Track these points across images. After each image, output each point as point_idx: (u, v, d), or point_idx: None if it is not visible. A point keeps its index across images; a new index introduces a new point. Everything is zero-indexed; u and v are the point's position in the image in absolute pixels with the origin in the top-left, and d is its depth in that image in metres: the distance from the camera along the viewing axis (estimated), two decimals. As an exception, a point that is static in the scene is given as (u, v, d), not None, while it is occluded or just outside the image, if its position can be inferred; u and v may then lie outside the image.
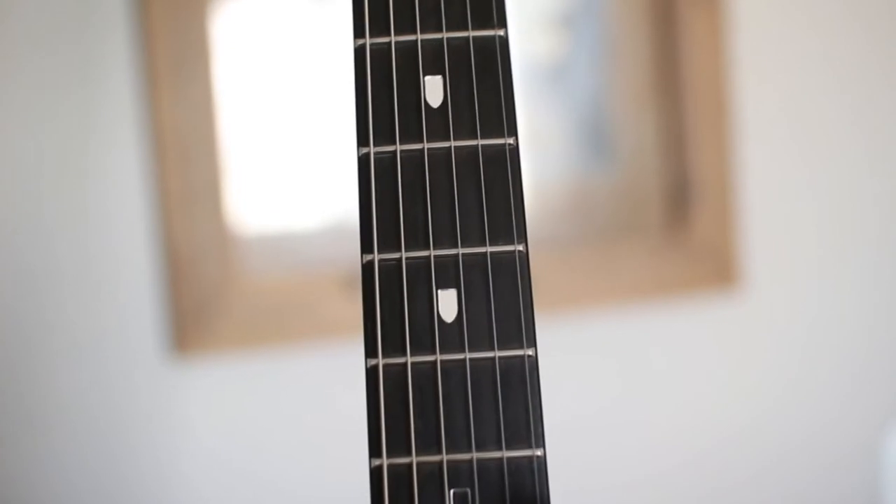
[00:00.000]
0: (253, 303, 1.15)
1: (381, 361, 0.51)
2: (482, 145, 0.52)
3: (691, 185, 1.23)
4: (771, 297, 1.26)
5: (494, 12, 0.53)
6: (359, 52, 0.53)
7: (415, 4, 0.53)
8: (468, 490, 0.50)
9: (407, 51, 0.53)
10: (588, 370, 1.23)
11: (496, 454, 0.50)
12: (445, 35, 0.53)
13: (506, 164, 0.52)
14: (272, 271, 1.17)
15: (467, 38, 0.53)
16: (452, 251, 0.52)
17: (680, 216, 1.24)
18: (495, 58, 0.53)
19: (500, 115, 0.53)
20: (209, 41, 1.11)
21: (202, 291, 1.14)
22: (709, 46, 1.23)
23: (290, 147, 1.17)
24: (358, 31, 0.53)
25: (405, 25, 0.53)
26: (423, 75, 0.53)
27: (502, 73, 0.53)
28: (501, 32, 0.53)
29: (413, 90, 0.53)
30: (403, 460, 0.50)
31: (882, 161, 1.29)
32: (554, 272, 1.20)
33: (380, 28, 0.53)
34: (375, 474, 0.50)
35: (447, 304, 0.52)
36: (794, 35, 1.26)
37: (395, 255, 0.52)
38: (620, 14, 1.23)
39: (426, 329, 0.51)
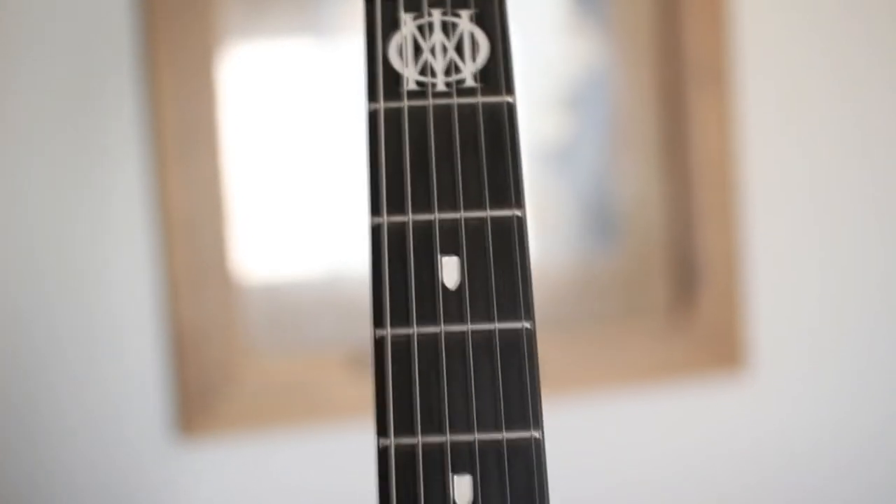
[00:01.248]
0: (259, 383, 1.15)
1: None
2: (499, 329, 0.52)
3: (697, 267, 1.23)
4: (777, 379, 1.25)
5: (512, 192, 0.53)
6: (375, 231, 0.53)
7: (431, 183, 0.53)
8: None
9: (423, 230, 0.53)
10: (593, 452, 1.22)
11: None
12: (462, 215, 0.53)
13: (521, 349, 0.52)
14: (278, 351, 1.16)
15: (484, 219, 0.53)
16: (468, 437, 0.52)
17: (686, 298, 1.23)
18: (512, 239, 0.53)
19: (517, 298, 0.52)
20: (217, 119, 1.12)
21: (208, 372, 1.13)
22: (716, 128, 1.23)
23: (297, 223, 1.17)
24: (375, 209, 0.53)
25: (422, 204, 0.53)
26: (440, 255, 0.52)
27: (520, 254, 0.53)
28: (519, 213, 0.53)
29: (429, 270, 0.52)
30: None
31: (892, 238, 1.28)
32: (558, 353, 1.19)
33: (396, 206, 0.53)
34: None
35: (462, 489, 0.52)
36: (801, 116, 1.26)
37: (411, 441, 0.52)
38: (628, 95, 1.24)
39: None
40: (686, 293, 1.23)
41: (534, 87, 1.23)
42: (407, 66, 0.55)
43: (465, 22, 0.56)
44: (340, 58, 1.16)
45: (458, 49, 0.55)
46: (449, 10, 0.56)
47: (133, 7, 1.10)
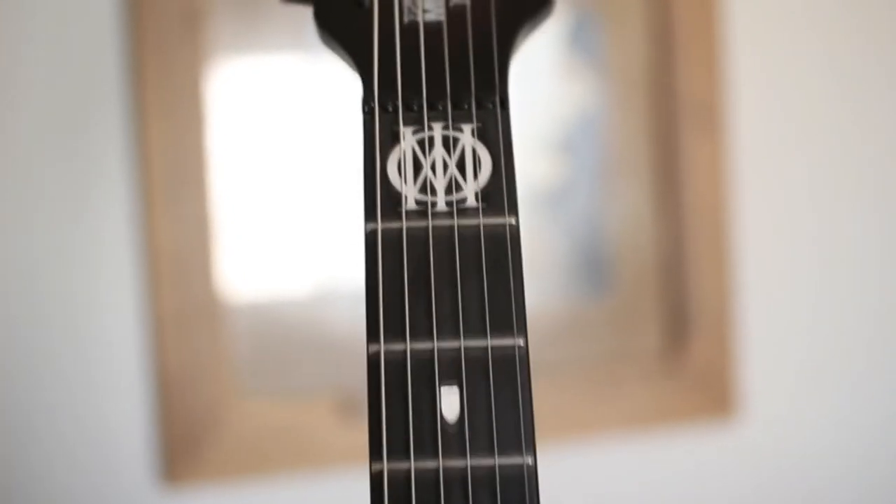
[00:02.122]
0: (246, 428, 1.13)
1: None
2: (500, 465, 0.50)
3: (689, 311, 1.23)
4: (769, 425, 1.25)
5: (514, 320, 0.51)
6: (373, 361, 0.51)
7: (431, 309, 0.51)
8: None
9: (422, 359, 0.51)
10: (584, 497, 1.21)
11: None
12: (463, 343, 0.51)
13: (523, 486, 0.50)
14: (267, 395, 1.15)
15: (485, 348, 0.51)
16: None
17: (678, 342, 1.23)
18: (514, 368, 0.51)
19: (519, 431, 0.50)
20: (205, 151, 1.11)
21: (194, 417, 1.12)
22: (709, 172, 1.23)
23: (287, 261, 1.16)
24: (372, 336, 0.51)
25: (421, 331, 0.51)
26: (440, 385, 0.51)
27: (521, 384, 0.51)
28: (521, 342, 0.51)
29: (428, 401, 0.51)
30: None
31: (885, 283, 1.28)
32: (550, 398, 1.18)
33: (395, 333, 0.51)
34: None
35: None
36: (794, 160, 1.26)
37: None
38: (621, 138, 1.23)
39: None
40: (678, 337, 1.23)
41: (526, 130, 1.22)
42: (406, 183, 0.53)
43: (466, 136, 0.54)
44: (330, 74, 1.14)
45: (460, 165, 0.54)
46: (450, 123, 0.54)
47: (120, 35, 1.09)
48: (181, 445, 1.12)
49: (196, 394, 1.12)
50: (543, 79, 1.23)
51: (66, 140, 1.09)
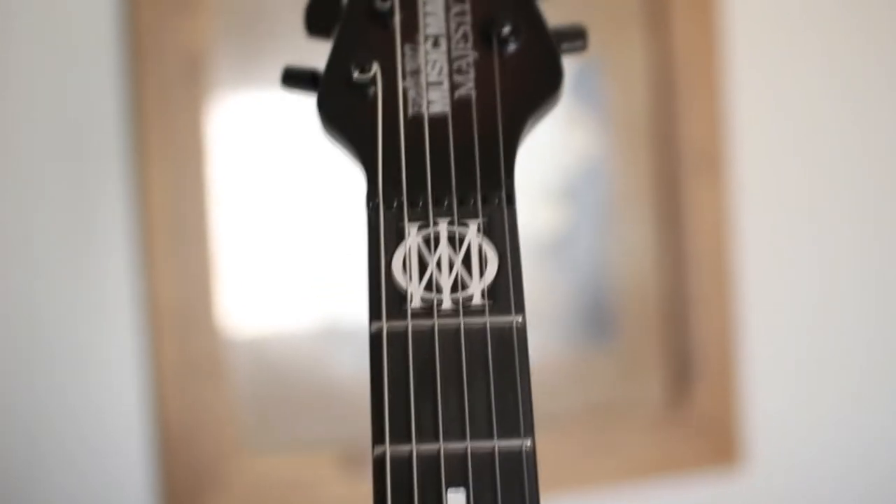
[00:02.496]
0: (249, 483, 1.13)
1: None
2: None
3: (693, 360, 1.22)
4: (774, 473, 1.24)
5: (521, 421, 0.51)
6: (378, 462, 0.50)
7: (438, 411, 0.51)
8: None
9: (429, 461, 0.50)
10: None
11: None
12: (469, 445, 0.51)
13: None
14: (269, 450, 1.15)
15: (492, 450, 0.51)
16: None
17: (682, 391, 1.22)
18: (521, 470, 0.50)
19: None
20: (206, 203, 1.11)
21: (196, 471, 1.11)
22: (712, 219, 1.23)
23: (290, 317, 1.16)
24: (378, 438, 0.50)
25: (428, 433, 0.50)
26: (446, 488, 0.50)
27: (528, 487, 0.50)
28: (528, 443, 0.51)
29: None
30: None
31: (889, 330, 1.27)
32: (553, 448, 1.18)
33: (401, 435, 0.50)
34: None
35: None
36: (796, 206, 1.26)
37: None
38: (623, 186, 1.23)
39: None
40: (681, 385, 1.22)
41: (529, 177, 1.22)
42: (412, 281, 0.53)
43: (472, 233, 0.54)
44: None
45: (466, 262, 0.53)
46: (456, 219, 0.54)
47: (121, 79, 1.09)
48: (183, 500, 1.11)
49: (198, 447, 1.12)
50: (546, 125, 1.22)
51: (66, 187, 1.09)
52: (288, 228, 1.15)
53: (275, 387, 1.16)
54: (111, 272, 1.09)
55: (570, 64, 1.20)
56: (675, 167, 1.23)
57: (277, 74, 1.12)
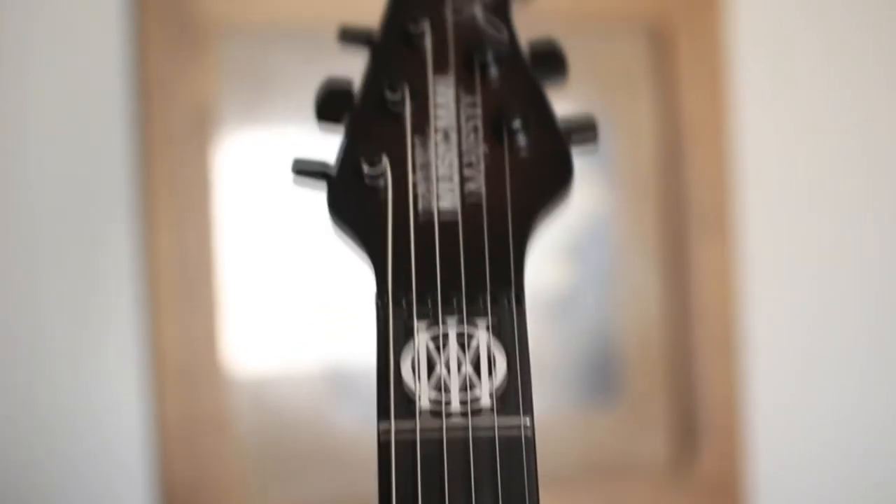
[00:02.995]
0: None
1: None
2: None
3: (698, 419, 1.22)
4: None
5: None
6: None
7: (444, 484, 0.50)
8: None
9: None
10: None
11: None
12: None
13: None
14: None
15: None
16: None
17: (687, 450, 1.22)
18: None
19: None
20: (212, 262, 1.10)
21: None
22: (717, 278, 1.23)
23: (298, 369, 1.15)
24: None
25: None
26: None
27: None
28: None
29: None
30: None
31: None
32: (559, 510, 1.17)
33: None
34: None
35: None
36: (801, 262, 1.25)
37: None
38: (629, 244, 1.23)
39: None
40: (687, 444, 1.22)
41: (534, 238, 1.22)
42: (420, 381, 0.52)
43: (481, 333, 0.53)
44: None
45: (475, 363, 0.52)
46: (465, 318, 0.53)
47: (128, 138, 1.09)
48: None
49: (202, 502, 1.11)
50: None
51: (73, 238, 1.09)
52: (293, 278, 1.15)
53: (279, 442, 1.15)
54: (117, 324, 1.09)
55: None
56: (681, 225, 1.23)
57: (281, 122, 1.13)
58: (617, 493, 1.21)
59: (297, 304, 1.15)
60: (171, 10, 1.10)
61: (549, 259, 1.22)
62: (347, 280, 1.13)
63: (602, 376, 1.25)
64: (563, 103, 1.18)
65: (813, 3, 1.27)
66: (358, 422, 1.15)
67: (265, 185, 1.14)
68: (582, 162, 1.21)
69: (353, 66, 1.10)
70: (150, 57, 1.09)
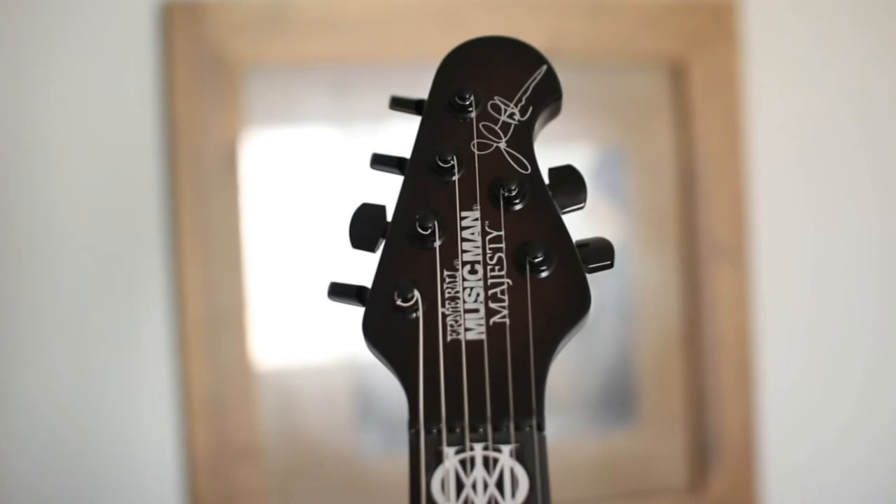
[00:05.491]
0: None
1: None
2: None
3: (714, 445, 1.25)
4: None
5: None
6: None
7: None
8: None
9: None
10: None
11: None
12: None
13: None
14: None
15: None
16: None
17: (702, 476, 1.25)
18: None
19: None
20: (243, 297, 1.14)
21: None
22: (733, 305, 1.25)
23: (327, 400, 1.18)
24: None
25: None
26: None
27: None
28: None
29: None
30: None
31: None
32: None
33: None
34: None
35: None
36: (818, 294, 1.28)
37: None
38: (645, 272, 1.26)
39: None
40: (702, 471, 1.25)
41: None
42: (449, 500, 0.56)
43: (505, 457, 0.57)
44: (364, 146, 1.16)
45: (499, 484, 0.57)
46: (490, 444, 0.57)
47: (159, 176, 1.13)
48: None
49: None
50: (570, 216, 1.25)
51: (107, 283, 1.12)
52: (321, 307, 1.18)
53: (306, 468, 1.19)
54: (149, 360, 1.13)
55: (592, 153, 1.23)
56: (698, 253, 1.25)
57: (306, 151, 1.16)
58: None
59: (325, 327, 1.18)
60: (198, 52, 1.13)
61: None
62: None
63: (619, 400, 1.28)
64: (584, 140, 1.21)
65: (825, 37, 1.29)
66: (384, 450, 1.19)
67: (291, 218, 1.17)
68: (601, 192, 1.24)
69: (370, 103, 1.13)
70: (179, 96, 1.13)
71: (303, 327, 1.18)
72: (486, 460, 0.57)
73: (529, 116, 0.63)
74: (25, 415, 1.10)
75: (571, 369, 1.26)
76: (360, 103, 1.18)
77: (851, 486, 1.29)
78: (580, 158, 1.24)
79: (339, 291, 0.61)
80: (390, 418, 1.20)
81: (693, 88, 1.25)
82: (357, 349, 1.16)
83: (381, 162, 0.63)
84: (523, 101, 0.64)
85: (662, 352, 1.26)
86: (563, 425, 1.26)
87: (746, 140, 1.25)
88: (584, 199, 0.63)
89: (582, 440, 1.25)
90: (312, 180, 1.18)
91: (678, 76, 1.25)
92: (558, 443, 1.25)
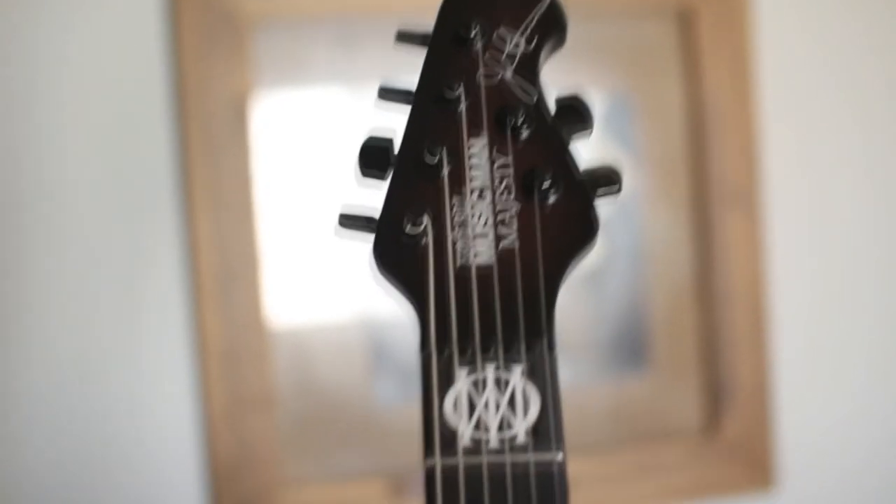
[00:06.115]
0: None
1: None
2: None
3: (727, 388, 1.26)
4: (806, 498, 1.28)
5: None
6: None
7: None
8: None
9: None
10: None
11: None
12: None
13: None
14: (318, 479, 1.19)
15: None
16: None
17: (716, 418, 1.26)
18: None
19: None
20: (255, 248, 1.16)
21: (244, 502, 1.16)
22: (745, 252, 1.26)
23: (339, 349, 1.20)
24: None
25: None
26: None
27: None
28: None
29: None
30: None
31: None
32: (591, 476, 1.22)
33: None
34: None
35: None
36: (828, 237, 1.29)
37: None
38: (657, 219, 1.26)
39: None
40: (716, 412, 1.26)
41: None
42: (462, 421, 0.58)
43: (517, 377, 0.58)
44: (372, 99, 1.17)
45: (511, 404, 0.58)
46: (501, 365, 0.58)
47: (169, 126, 1.14)
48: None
49: (247, 480, 1.16)
50: (581, 164, 1.25)
51: (119, 237, 1.14)
52: (335, 256, 1.19)
53: (321, 417, 1.20)
54: (163, 312, 1.15)
55: (601, 101, 1.24)
56: (709, 200, 1.26)
57: (315, 105, 1.16)
58: (648, 458, 1.26)
59: (337, 276, 1.19)
60: (206, 6, 1.14)
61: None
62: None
63: (633, 345, 1.29)
64: (592, 89, 1.21)
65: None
66: (398, 400, 1.20)
67: (301, 174, 1.18)
68: (610, 141, 1.25)
69: (378, 58, 1.13)
70: (187, 52, 1.13)
71: (315, 280, 1.19)
72: (497, 381, 0.58)
73: (535, 47, 0.64)
74: (37, 364, 1.11)
75: (585, 317, 1.27)
76: (368, 55, 1.19)
77: (864, 426, 1.30)
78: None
79: (349, 221, 0.62)
80: (404, 368, 1.21)
81: (702, 34, 1.25)
82: (369, 304, 1.19)
83: (388, 94, 0.64)
84: (528, 32, 0.64)
85: (675, 298, 1.27)
86: (578, 372, 1.27)
87: (756, 85, 1.25)
88: (590, 127, 0.63)
89: (597, 386, 1.26)
90: (322, 135, 1.18)
91: (686, 22, 1.25)
92: (573, 390, 1.26)
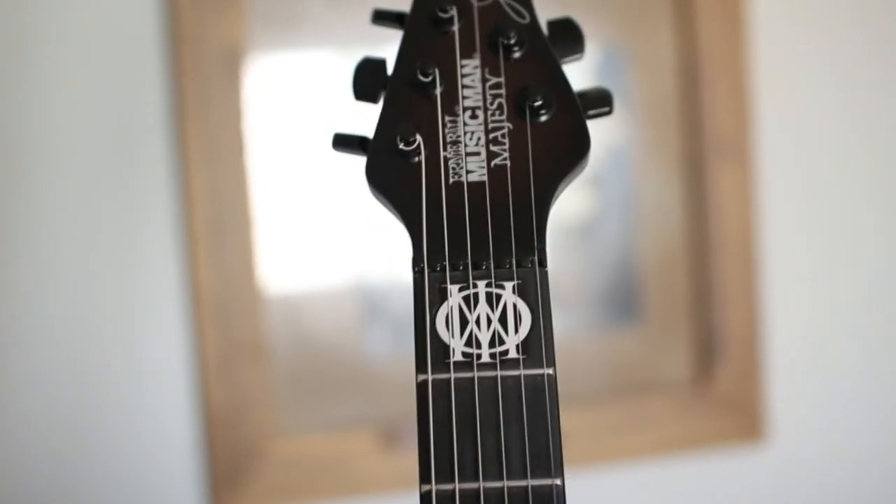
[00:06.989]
0: (289, 460, 1.18)
1: None
2: None
3: (718, 340, 1.27)
4: (797, 450, 1.29)
5: (552, 462, 0.56)
6: (425, 499, 0.56)
7: (478, 454, 0.56)
8: None
9: (470, 498, 0.56)
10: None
11: None
12: (506, 484, 0.56)
13: None
14: (309, 429, 1.20)
15: (526, 488, 0.56)
16: None
17: (707, 370, 1.27)
18: None
19: None
20: (247, 197, 1.16)
21: (238, 451, 1.17)
22: (736, 203, 1.26)
23: (332, 299, 1.20)
24: (424, 477, 0.56)
25: (469, 473, 0.56)
26: None
27: None
28: (558, 482, 0.56)
29: None
30: None
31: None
32: (582, 427, 1.23)
33: (444, 475, 0.56)
34: None
35: None
36: (821, 190, 1.29)
37: None
38: (649, 171, 1.27)
39: None
40: (707, 364, 1.27)
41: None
42: (454, 336, 0.58)
43: (508, 293, 0.59)
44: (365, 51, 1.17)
45: (502, 320, 0.58)
46: (493, 281, 0.59)
47: (162, 80, 1.14)
48: (226, 477, 1.17)
49: (240, 428, 1.17)
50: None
51: (112, 179, 1.14)
52: (325, 206, 1.20)
53: (314, 368, 1.21)
54: (156, 263, 1.15)
55: (594, 50, 1.24)
56: (700, 151, 1.26)
57: (308, 56, 1.16)
58: (639, 410, 1.26)
59: (329, 230, 1.20)
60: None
61: (571, 186, 1.26)
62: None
63: (625, 298, 1.29)
64: (587, 40, 1.21)
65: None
66: (391, 349, 1.21)
67: (294, 120, 1.18)
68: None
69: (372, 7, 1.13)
70: (182, 2, 1.13)
71: (308, 233, 1.19)
72: (489, 296, 0.58)
73: None
74: (30, 319, 1.11)
75: (577, 270, 1.27)
76: (359, 6, 1.19)
77: (855, 378, 1.30)
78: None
79: (343, 141, 0.63)
80: (396, 318, 1.21)
81: (695, -15, 1.25)
82: (362, 258, 1.19)
83: (382, 17, 0.64)
84: None
85: (667, 250, 1.27)
86: (570, 324, 1.27)
87: (749, 36, 1.25)
88: (581, 50, 0.64)
89: (588, 338, 1.27)
90: (316, 94, 1.18)
91: (680, -26, 1.25)
92: (565, 341, 1.27)
